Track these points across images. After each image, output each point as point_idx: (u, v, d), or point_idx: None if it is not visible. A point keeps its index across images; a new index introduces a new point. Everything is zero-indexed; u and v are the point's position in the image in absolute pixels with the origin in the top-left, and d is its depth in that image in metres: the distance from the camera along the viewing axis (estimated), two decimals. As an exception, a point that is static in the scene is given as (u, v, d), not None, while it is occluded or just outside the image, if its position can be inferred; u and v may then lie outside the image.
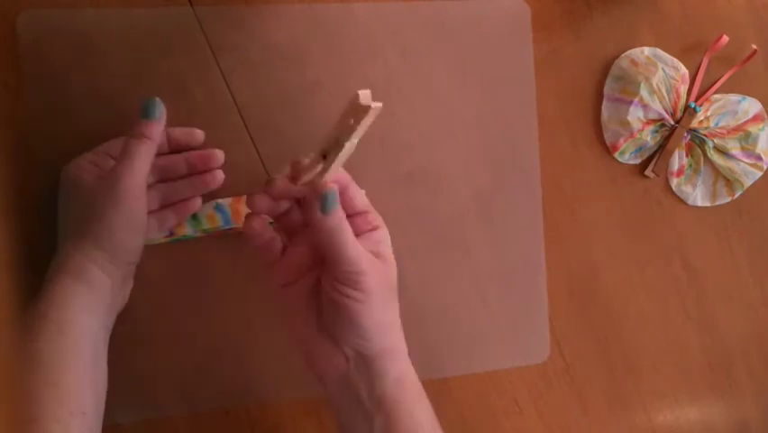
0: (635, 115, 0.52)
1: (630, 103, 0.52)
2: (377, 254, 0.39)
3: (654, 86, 0.51)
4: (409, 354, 0.40)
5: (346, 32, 0.48)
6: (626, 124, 0.52)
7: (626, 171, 0.54)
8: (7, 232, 0.21)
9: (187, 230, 0.44)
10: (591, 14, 0.53)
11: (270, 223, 0.41)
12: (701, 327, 0.56)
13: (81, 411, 0.35)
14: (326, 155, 0.35)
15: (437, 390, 0.49)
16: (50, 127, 0.44)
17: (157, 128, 0.40)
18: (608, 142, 0.53)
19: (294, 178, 0.37)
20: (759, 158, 0.54)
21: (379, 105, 0.33)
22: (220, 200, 0.45)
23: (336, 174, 0.37)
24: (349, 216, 0.38)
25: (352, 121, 0.34)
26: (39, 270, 0.39)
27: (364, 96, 0.33)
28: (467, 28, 0.50)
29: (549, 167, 0.52)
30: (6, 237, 0.21)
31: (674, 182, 0.54)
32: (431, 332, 0.49)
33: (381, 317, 0.38)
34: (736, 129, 0.54)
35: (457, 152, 0.50)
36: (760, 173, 0.55)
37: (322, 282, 0.38)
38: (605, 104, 0.53)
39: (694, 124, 0.53)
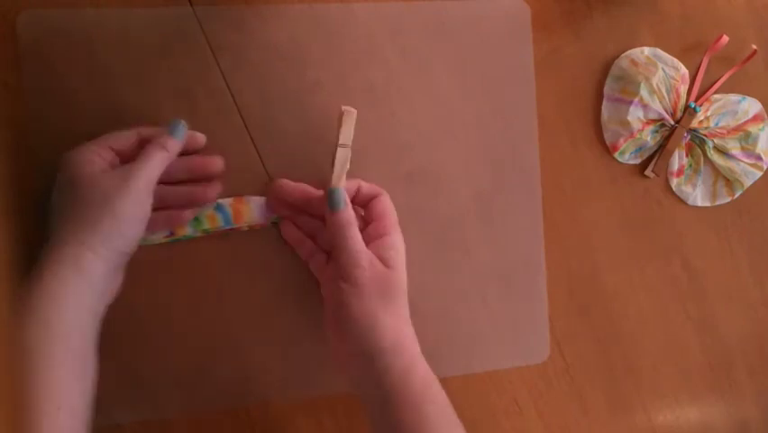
0: (635, 115, 0.52)
1: (630, 103, 0.52)
2: (384, 259, 0.42)
3: (654, 86, 0.51)
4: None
5: (346, 32, 0.48)
6: (626, 124, 0.52)
7: (626, 171, 0.54)
8: (7, 232, 0.21)
9: (187, 230, 0.44)
10: (591, 14, 0.53)
11: (274, 222, 0.47)
12: (701, 327, 0.56)
13: (69, 406, 0.36)
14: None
15: (437, 390, 0.49)
16: (50, 127, 0.44)
17: (177, 146, 0.42)
18: (607, 142, 0.53)
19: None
20: (759, 158, 0.54)
21: (351, 109, 0.42)
22: (221, 200, 0.45)
23: (370, 185, 0.45)
24: (370, 222, 0.45)
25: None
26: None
27: (346, 108, 0.42)
28: (467, 28, 0.50)
29: (549, 167, 0.52)
30: (6, 237, 0.21)
31: (674, 182, 0.54)
32: (431, 332, 0.49)
33: (374, 312, 0.41)
34: (736, 129, 0.54)
35: (457, 152, 0.50)
36: (760, 173, 0.55)
37: (332, 283, 0.43)
38: (605, 104, 0.53)
39: (694, 124, 0.53)
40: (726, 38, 0.53)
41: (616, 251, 0.54)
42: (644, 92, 0.51)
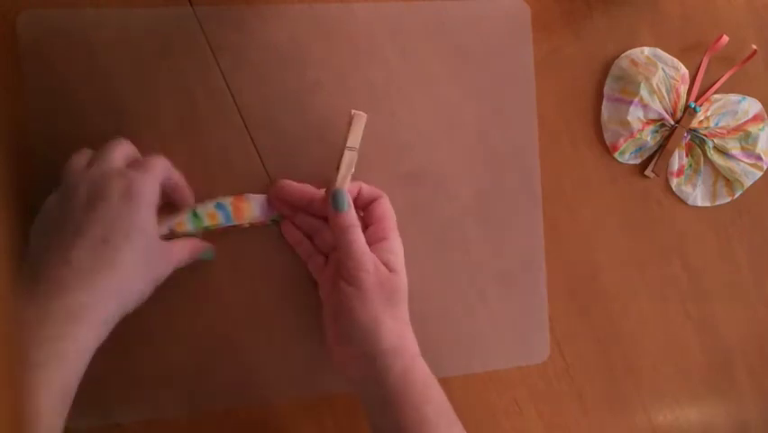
0: (635, 115, 0.52)
1: (630, 103, 0.52)
2: (386, 263, 0.43)
3: (654, 86, 0.51)
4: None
5: (346, 32, 0.48)
6: (626, 124, 0.52)
7: (626, 171, 0.54)
8: (7, 232, 0.21)
9: (187, 227, 0.44)
10: (591, 14, 0.53)
11: (274, 220, 0.47)
12: (701, 327, 0.56)
13: None
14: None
15: (437, 390, 0.49)
16: (50, 127, 0.44)
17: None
18: (607, 142, 0.53)
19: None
20: (759, 158, 0.54)
21: (361, 113, 0.42)
22: (221, 199, 0.45)
23: (370, 187, 0.45)
24: (370, 225, 0.45)
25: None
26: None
27: (356, 111, 0.42)
28: (467, 28, 0.50)
29: (549, 167, 0.52)
30: (6, 238, 0.21)
31: (674, 182, 0.54)
32: (431, 332, 0.49)
33: (378, 316, 0.41)
34: (736, 129, 0.54)
35: (457, 152, 0.50)
36: (760, 173, 0.55)
37: (332, 284, 0.43)
38: (605, 104, 0.53)
39: (694, 124, 0.53)
40: (726, 38, 0.53)
41: (616, 251, 0.54)
42: (644, 92, 0.51)
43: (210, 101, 0.46)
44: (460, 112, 0.50)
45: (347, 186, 0.43)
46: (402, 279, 0.43)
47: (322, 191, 0.45)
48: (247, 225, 0.46)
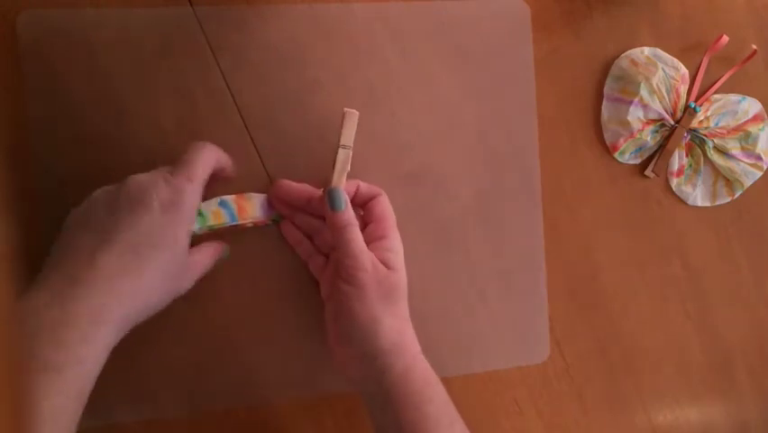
0: (635, 115, 0.52)
1: (630, 103, 0.52)
2: (385, 261, 0.42)
3: (654, 86, 0.51)
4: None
5: (346, 32, 0.48)
6: (626, 124, 0.52)
7: (626, 171, 0.54)
8: (6, 233, 0.21)
9: (192, 227, 0.44)
10: (591, 14, 0.53)
11: (275, 220, 0.47)
12: (701, 327, 0.56)
13: None
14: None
15: (437, 390, 0.49)
16: (50, 127, 0.44)
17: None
18: (607, 142, 0.53)
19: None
20: (759, 158, 0.54)
21: (353, 111, 0.42)
22: (224, 197, 0.45)
23: (368, 185, 0.45)
24: (368, 224, 0.45)
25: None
26: (37, 270, 0.39)
27: (348, 109, 0.42)
28: (467, 28, 0.50)
29: (549, 167, 0.52)
30: (5, 238, 0.21)
31: (674, 182, 0.54)
32: (431, 332, 0.49)
33: (376, 315, 0.41)
34: (736, 129, 0.54)
35: (457, 152, 0.50)
36: (760, 173, 0.55)
37: (331, 284, 0.43)
38: (605, 104, 0.53)
39: (694, 124, 0.53)
40: (726, 38, 0.53)
41: (616, 251, 0.54)
42: (644, 92, 0.51)
43: (210, 101, 0.46)
44: (460, 112, 0.50)
45: (343, 184, 0.43)
46: (401, 276, 0.43)
47: (320, 191, 0.45)
48: (250, 225, 0.46)
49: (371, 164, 0.48)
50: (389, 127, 0.49)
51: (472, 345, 0.51)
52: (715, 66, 0.54)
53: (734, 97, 0.54)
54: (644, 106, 0.52)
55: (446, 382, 0.43)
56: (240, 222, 0.45)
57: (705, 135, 0.53)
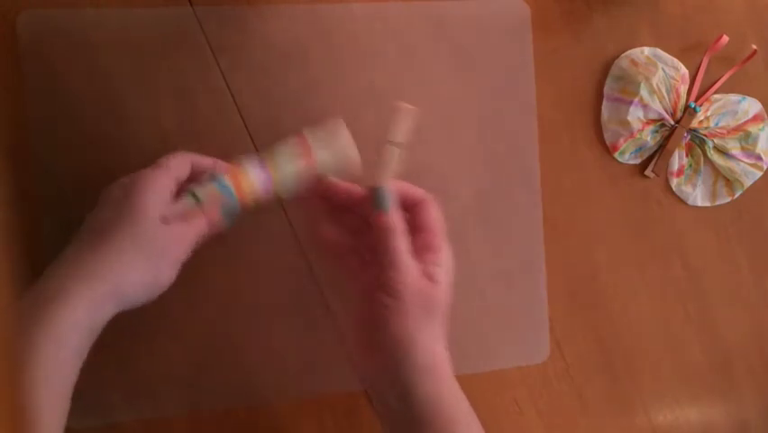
0: (635, 115, 0.52)
1: (630, 103, 0.52)
2: (430, 275, 0.40)
3: (654, 86, 0.51)
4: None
5: (346, 32, 0.48)
6: (626, 124, 0.52)
7: (626, 171, 0.54)
8: (6, 233, 0.21)
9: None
10: (591, 15, 0.53)
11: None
12: (701, 327, 0.56)
13: None
14: None
15: (437, 390, 0.49)
16: (51, 127, 0.44)
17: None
18: (607, 142, 0.53)
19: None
20: (759, 158, 0.54)
21: (407, 106, 0.40)
22: (218, 177, 0.41)
23: (415, 188, 0.43)
24: (416, 232, 0.41)
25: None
26: (38, 271, 0.39)
27: (401, 104, 0.40)
28: (467, 28, 0.50)
29: (549, 167, 0.52)
30: (5, 238, 0.21)
31: (674, 182, 0.54)
32: (431, 332, 0.49)
33: (413, 333, 0.39)
34: (736, 129, 0.54)
35: (457, 152, 0.50)
36: (760, 173, 0.55)
37: (367, 290, 0.40)
38: (605, 104, 0.53)
39: (694, 124, 0.53)
40: (726, 38, 0.53)
41: (616, 251, 0.54)
42: (644, 92, 0.51)
43: (210, 101, 0.46)
44: (460, 112, 0.50)
45: (389, 184, 0.40)
46: (444, 294, 0.40)
47: (362, 188, 0.43)
48: (253, 205, 0.42)
49: (371, 164, 0.48)
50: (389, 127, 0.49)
51: (472, 344, 0.51)
52: (715, 66, 0.54)
53: (734, 97, 0.54)
54: (644, 106, 0.52)
55: (446, 382, 0.43)
56: (240, 201, 0.41)
57: (705, 135, 0.53)
